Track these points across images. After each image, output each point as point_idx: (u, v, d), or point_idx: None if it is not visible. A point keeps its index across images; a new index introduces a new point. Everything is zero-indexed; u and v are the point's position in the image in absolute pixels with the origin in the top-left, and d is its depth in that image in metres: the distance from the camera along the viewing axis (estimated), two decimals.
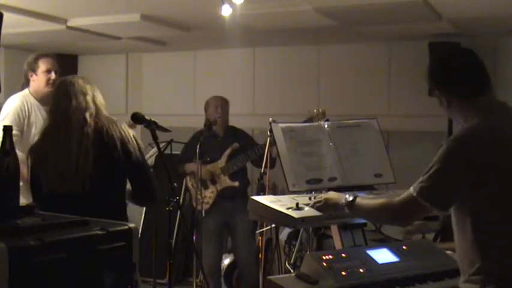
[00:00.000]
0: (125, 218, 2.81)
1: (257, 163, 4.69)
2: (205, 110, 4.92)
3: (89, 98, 2.85)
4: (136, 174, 2.87)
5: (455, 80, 2.15)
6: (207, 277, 4.83)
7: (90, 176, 2.70)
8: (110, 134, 2.77)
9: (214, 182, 4.79)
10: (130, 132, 2.85)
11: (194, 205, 4.88)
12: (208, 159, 4.73)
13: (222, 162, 4.75)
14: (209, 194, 4.79)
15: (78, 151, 2.72)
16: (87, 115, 2.79)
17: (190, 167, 4.81)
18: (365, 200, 2.46)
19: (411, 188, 2.11)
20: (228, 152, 4.73)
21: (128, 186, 2.92)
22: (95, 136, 2.75)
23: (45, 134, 2.88)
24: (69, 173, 2.71)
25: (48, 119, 2.94)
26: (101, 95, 2.95)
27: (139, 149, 2.87)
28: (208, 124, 4.68)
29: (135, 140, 2.85)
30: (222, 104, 4.89)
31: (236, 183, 4.74)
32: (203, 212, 4.74)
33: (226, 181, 4.74)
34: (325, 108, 4.11)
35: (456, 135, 2.11)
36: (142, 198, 3.00)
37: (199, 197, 4.70)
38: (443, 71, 2.19)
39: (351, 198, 2.43)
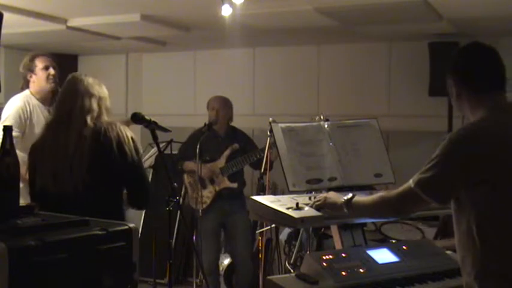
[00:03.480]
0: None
1: (255, 166, 4.74)
2: (207, 110, 4.94)
3: (94, 100, 2.84)
4: (130, 176, 2.83)
5: (467, 72, 2.15)
6: (206, 277, 4.85)
7: (84, 179, 2.70)
8: (107, 135, 2.75)
9: (212, 182, 4.79)
10: (129, 134, 2.82)
11: (191, 204, 4.89)
12: (208, 158, 4.74)
13: (221, 162, 4.76)
14: (207, 193, 4.79)
15: (74, 153, 2.72)
16: (89, 118, 2.79)
17: (189, 165, 4.80)
18: (362, 197, 2.45)
19: (410, 180, 2.11)
20: (227, 152, 4.74)
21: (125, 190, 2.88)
22: (92, 137, 2.74)
23: (47, 129, 2.89)
24: (63, 174, 2.72)
25: (53, 113, 2.94)
26: (108, 99, 2.93)
27: (136, 150, 2.83)
28: (209, 124, 4.68)
29: (133, 142, 2.81)
30: (221, 105, 4.87)
31: (235, 185, 4.77)
32: (200, 211, 4.73)
33: (225, 182, 4.76)
34: (325, 110, 4.09)
35: (459, 130, 2.11)
36: (135, 201, 2.92)
37: (197, 196, 4.70)
38: (459, 61, 2.21)
39: (349, 196, 2.44)
